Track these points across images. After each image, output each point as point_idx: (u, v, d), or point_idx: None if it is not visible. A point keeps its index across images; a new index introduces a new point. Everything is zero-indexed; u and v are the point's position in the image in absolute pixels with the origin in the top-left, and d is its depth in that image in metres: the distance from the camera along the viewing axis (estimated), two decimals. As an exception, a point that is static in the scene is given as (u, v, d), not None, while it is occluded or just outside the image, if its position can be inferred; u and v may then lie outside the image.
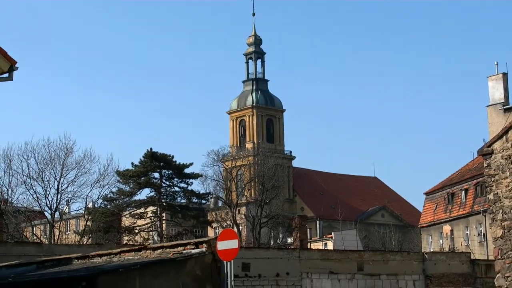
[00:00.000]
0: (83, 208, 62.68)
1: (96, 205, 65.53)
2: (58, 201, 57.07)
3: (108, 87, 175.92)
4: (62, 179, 56.65)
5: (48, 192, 55.80)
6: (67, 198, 58.70)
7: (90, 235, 63.42)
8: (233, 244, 17.24)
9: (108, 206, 71.61)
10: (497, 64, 55.77)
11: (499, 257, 17.88)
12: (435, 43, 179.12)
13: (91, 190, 58.68)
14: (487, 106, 55.32)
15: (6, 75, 17.40)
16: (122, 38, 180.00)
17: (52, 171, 55.95)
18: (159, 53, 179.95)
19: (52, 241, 53.07)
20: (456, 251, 59.31)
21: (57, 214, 58.64)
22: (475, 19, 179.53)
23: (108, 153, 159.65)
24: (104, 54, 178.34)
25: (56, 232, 57.79)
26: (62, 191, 56.92)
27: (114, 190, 71.89)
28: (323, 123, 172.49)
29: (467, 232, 64.11)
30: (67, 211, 65.19)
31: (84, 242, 57.01)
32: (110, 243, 50.82)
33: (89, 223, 63.00)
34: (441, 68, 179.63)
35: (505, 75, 55.37)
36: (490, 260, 46.34)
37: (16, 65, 17.30)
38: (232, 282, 17.08)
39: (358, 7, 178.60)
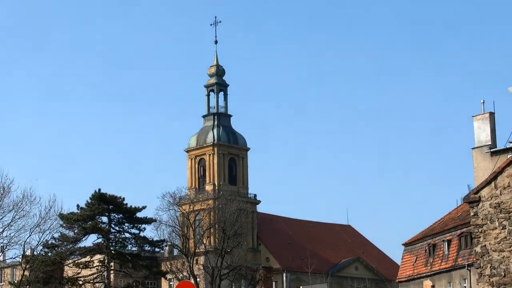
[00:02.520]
0: (20, 256, 61.82)
1: (35, 253, 64.68)
2: (-9, 248, 56.27)
3: (51, 120, 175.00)
4: (-3, 223, 55.88)
5: (-20, 237, 55.02)
6: (2, 244, 57.85)
7: (28, 287, 62.41)
8: (191, 299, 17.07)
9: (49, 254, 70.71)
10: (483, 103, 56.46)
11: (488, 317, 17.87)
12: (416, 79, 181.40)
13: (30, 235, 57.92)
14: (473, 148, 55.85)
15: None
16: (71, 66, 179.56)
17: (-14, 213, 55.20)
18: (107, 81, 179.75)
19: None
20: (438, 309, 59.33)
21: (-10, 262, 57.80)
22: (460, 53, 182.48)
23: (50, 194, 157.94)
24: (45, 84, 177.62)
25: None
26: (-3, 236, 56.11)
27: (56, 235, 71.16)
28: (292, 165, 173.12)
29: (450, 288, 64.26)
30: (1, 259, 64.27)
31: (21, 295, 56.12)
32: (50, 296, 50.10)
33: (26, 272, 62.12)
34: (423, 107, 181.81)
35: (492, 114, 55.99)
36: (476, 320, 46.49)
37: None
38: None
39: (330, 37, 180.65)
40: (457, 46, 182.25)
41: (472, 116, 56.52)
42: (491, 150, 54.14)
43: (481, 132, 55.22)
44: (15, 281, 67.75)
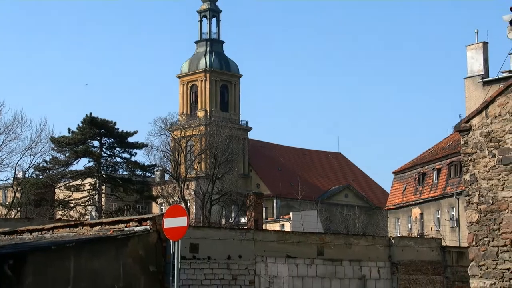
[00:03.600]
0: (12, 178, 62.09)
1: (26, 175, 64.90)
2: (-17, 170, 56.46)
3: (42, 43, 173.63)
4: (-13, 145, 56.01)
5: (-29, 159, 55.19)
6: (-7, 166, 58.04)
7: (19, 208, 62.82)
8: (181, 222, 17.15)
9: (40, 177, 70.97)
10: (477, 32, 56.23)
11: (474, 243, 18.12)
12: (409, 7, 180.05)
13: (21, 158, 58.15)
14: (465, 78, 55.86)
15: None
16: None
17: (-23, 135, 55.32)
18: (101, 6, 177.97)
19: (-25, 214, 52.54)
20: (425, 236, 60.07)
21: (-19, 184, 58.05)
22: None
23: (41, 117, 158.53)
24: (38, 6, 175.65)
25: (-20, 204, 57.24)
26: (-12, 158, 56.28)
27: (47, 158, 71.36)
28: (284, 92, 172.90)
29: (438, 216, 64.94)
30: (-7, 181, 64.50)
31: (12, 216, 56.47)
32: (41, 217, 50.31)
33: (18, 194, 62.40)
34: (415, 36, 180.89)
35: (485, 44, 55.87)
36: (462, 247, 47.04)
37: None
38: (179, 265, 17.01)
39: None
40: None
41: (466, 46, 56.40)
42: (484, 80, 54.15)
43: (474, 62, 55.15)
44: (7, 203, 68.07)
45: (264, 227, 72.14)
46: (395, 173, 71.91)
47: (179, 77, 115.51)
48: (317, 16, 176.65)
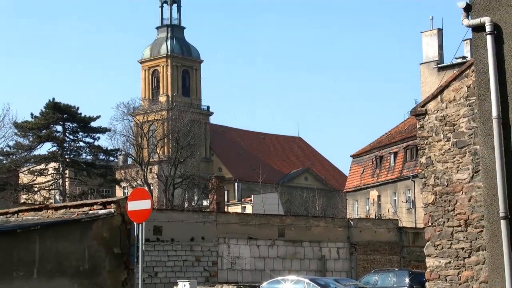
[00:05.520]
0: (-24, 163, 61.52)
1: (-10, 160, 64.33)
2: None
3: (4, 26, 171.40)
4: (-49, 130, 55.42)
5: None
6: (-44, 151, 57.47)
7: (-17, 194, 62.25)
8: (145, 204, 17.18)
9: (4, 161, 70.34)
10: (432, 19, 56.80)
11: (430, 224, 18.34)
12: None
13: (-16, 143, 57.63)
14: (421, 64, 56.41)
15: None
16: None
17: None
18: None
19: None
20: (383, 218, 60.68)
21: None
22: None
23: (4, 102, 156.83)
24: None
25: None
26: (-49, 143, 55.69)
27: (11, 143, 70.76)
28: (244, 77, 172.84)
29: (395, 198, 65.60)
30: (-44, 166, 63.80)
31: (-24, 201, 55.95)
32: (6, 201, 50.04)
33: (-18, 179, 61.85)
34: (372, 22, 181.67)
35: (440, 31, 56.44)
36: (418, 228, 47.74)
37: None
38: (143, 247, 17.06)
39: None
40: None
41: (421, 32, 56.91)
42: (438, 65, 54.73)
43: (429, 48, 55.71)
44: (-29, 188, 67.43)
45: (226, 210, 72.36)
46: (353, 156, 72.45)
47: (141, 63, 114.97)
48: (277, 0, 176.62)
